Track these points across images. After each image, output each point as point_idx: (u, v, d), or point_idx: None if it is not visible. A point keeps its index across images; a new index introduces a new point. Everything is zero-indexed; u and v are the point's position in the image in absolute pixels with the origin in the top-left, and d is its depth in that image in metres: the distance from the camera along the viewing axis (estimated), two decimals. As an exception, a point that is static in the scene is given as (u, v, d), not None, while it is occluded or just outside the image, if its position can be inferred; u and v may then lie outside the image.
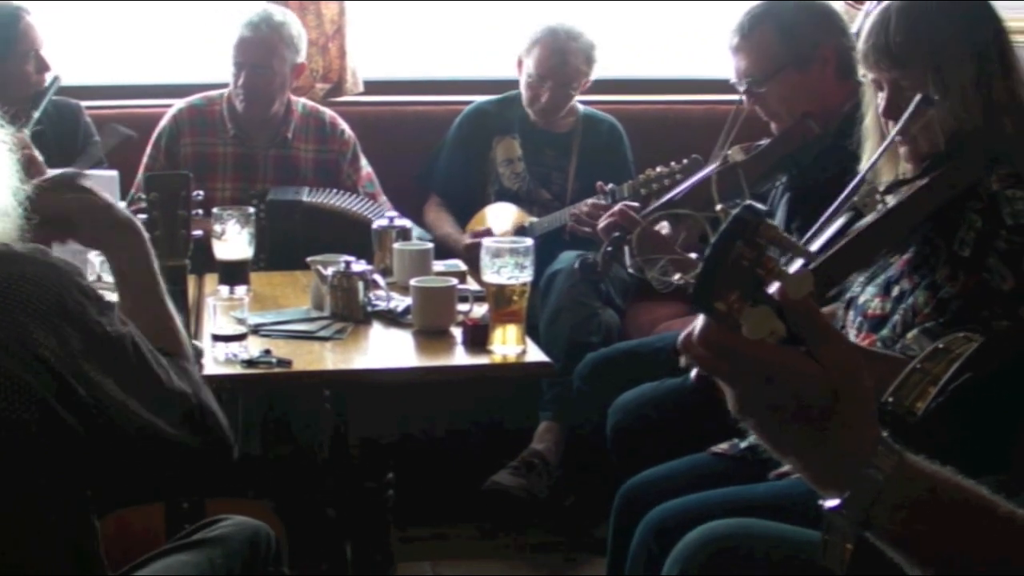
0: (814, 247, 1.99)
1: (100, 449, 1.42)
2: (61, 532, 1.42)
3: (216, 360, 2.38)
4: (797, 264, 1.27)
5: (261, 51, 3.54)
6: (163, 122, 3.67)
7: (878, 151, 2.01)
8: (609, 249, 2.71)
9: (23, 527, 1.38)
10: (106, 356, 1.41)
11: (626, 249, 2.64)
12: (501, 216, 3.82)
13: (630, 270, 2.60)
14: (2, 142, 1.54)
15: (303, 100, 3.80)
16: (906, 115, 1.94)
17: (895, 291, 2.00)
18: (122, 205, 2.81)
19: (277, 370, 2.36)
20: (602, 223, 2.77)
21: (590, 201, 3.26)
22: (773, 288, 0.97)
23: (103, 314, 1.43)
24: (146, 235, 1.72)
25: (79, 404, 1.37)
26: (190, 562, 1.74)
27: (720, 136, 2.69)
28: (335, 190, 3.52)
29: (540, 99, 3.83)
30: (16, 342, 1.33)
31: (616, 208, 2.78)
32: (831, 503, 1.01)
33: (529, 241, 2.52)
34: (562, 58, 3.78)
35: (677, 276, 2.30)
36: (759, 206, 0.97)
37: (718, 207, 2.40)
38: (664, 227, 2.74)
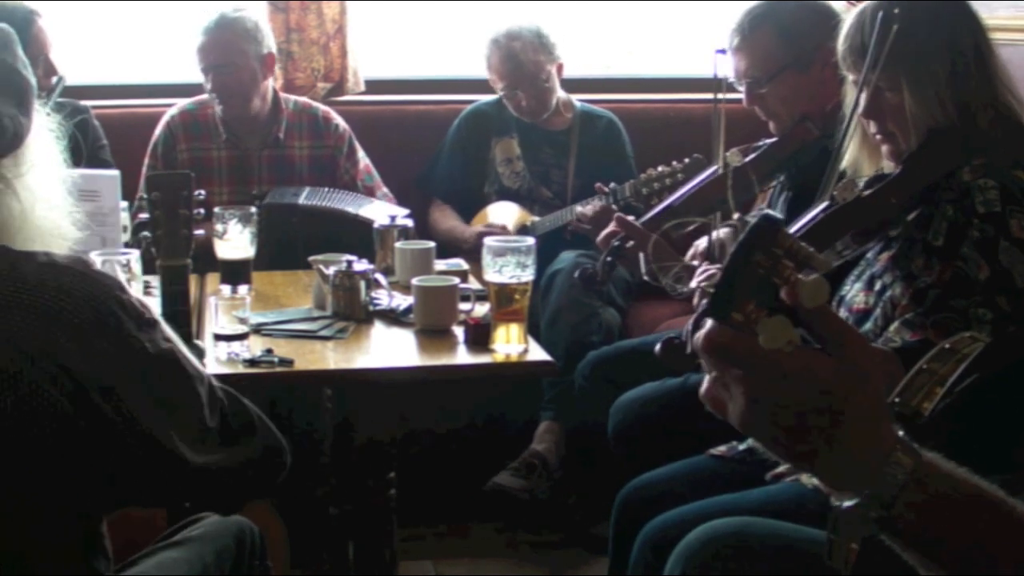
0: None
1: (131, 464, 1.40)
2: (72, 534, 1.42)
3: (218, 359, 2.38)
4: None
5: (219, 51, 3.54)
6: (157, 130, 3.68)
7: (848, 137, 2.04)
8: (608, 259, 2.71)
9: (36, 528, 1.38)
10: (142, 373, 1.40)
11: (640, 256, 2.64)
12: (502, 215, 3.82)
13: (645, 277, 2.60)
14: (49, 131, 1.54)
15: (294, 98, 3.80)
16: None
17: (877, 285, 2.03)
18: (124, 205, 2.83)
19: (279, 369, 2.36)
20: (600, 236, 2.77)
21: (596, 204, 3.26)
22: (787, 295, 0.97)
23: (142, 330, 1.42)
24: None
25: (103, 420, 1.36)
26: (181, 559, 1.74)
27: (713, 138, 2.69)
28: (333, 189, 3.52)
29: (522, 105, 3.84)
30: (43, 353, 1.33)
31: (616, 218, 2.77)
32: (847, 503, 1.00)
33: (531, 240, 2.52)
34: (514, 62, 3.80)
35: (693, 283, 2.30)
36: (776, 215, 0.97)
37: (735, 216, 2.41)
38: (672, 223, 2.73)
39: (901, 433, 1.00)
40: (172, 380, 1.44)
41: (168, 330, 1.49)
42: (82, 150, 3.11)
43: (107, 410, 1.36)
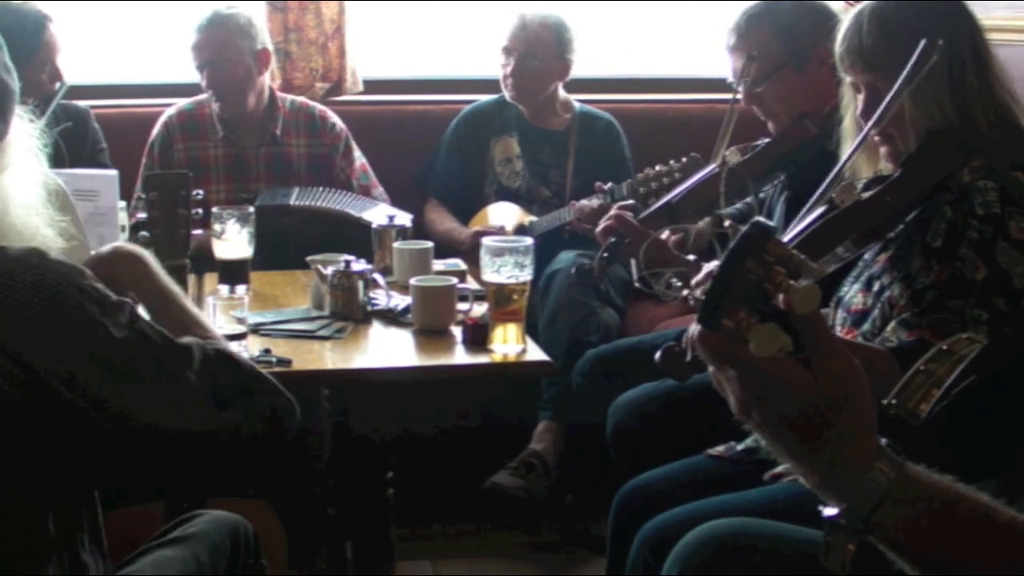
0: (786, 237, 2.01)
1: (113, 451, 1.39)
2: (58, 530, 1.42)
3: (142, 253, 2.35)
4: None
5: (214, 47, 3.56)
6: (155, 130, 3.68)
7: (854, 145, 2.03)
8: (605, 255, 2.71)
9: (14, 525, 1.37)
10: (109, 356, 1.39)
11: (632, 262, 2.64)
12: (501, 215, 3.82)
13: (636, 284, 2.60)
14: (28, 136, 1.54)
15: (291, 97, 3.80)
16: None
17: (876, 286, 2.03)
18: (122, 204, 2.83)
19: (277, 369, 2.35)
20: (599, 228, 2.78)
21: (593, 203, 3.25)
22: (780, 301, 0.97)
23: (106, 314, 1.40)
24: (147, 256, 1.72)
25: (66, 409, 1.34)
26: (177, 557, 1.74)
27: (718, 136, 2.69)
28: (325, 188, 3.52)
29: (506, 73, 3.82)
30: None
31: (612, 212, 2.78)
32: (830, 512, 1.01)
33: (529, 240, 2.52)
34: (522, 23, 3.81)
35: (685, 292, 2.30)
36: (767, 222, 0.97)
37: (726, 223, 2.41)
38: (663, 231, 2.74)
39: (885, 442, 1.00)
40: (143, 357, 1.42)
41: (140, 310, 1.48)
42: (64, 157, 3.10)
43: (70, 397, 1.34)
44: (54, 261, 1.41)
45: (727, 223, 2.42)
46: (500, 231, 3.69)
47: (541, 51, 3.81)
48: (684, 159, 3.10)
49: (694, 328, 1.00)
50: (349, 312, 2.63)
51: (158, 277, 1.71)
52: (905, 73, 1.90)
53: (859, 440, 0.99)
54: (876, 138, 2.07)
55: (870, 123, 1.98)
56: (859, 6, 2.07)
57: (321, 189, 3.51)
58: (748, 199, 2.91)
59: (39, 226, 1.51)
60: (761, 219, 0.99)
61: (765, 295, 0.96)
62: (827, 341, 0.99)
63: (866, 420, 1.00)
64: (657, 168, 3.16)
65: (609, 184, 3.26)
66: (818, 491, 1.02)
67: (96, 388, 1.36)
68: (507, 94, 3.87)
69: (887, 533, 0.99)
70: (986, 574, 0.99)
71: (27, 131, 1.55)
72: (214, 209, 2.87)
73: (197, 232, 2.32)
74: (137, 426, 1.39)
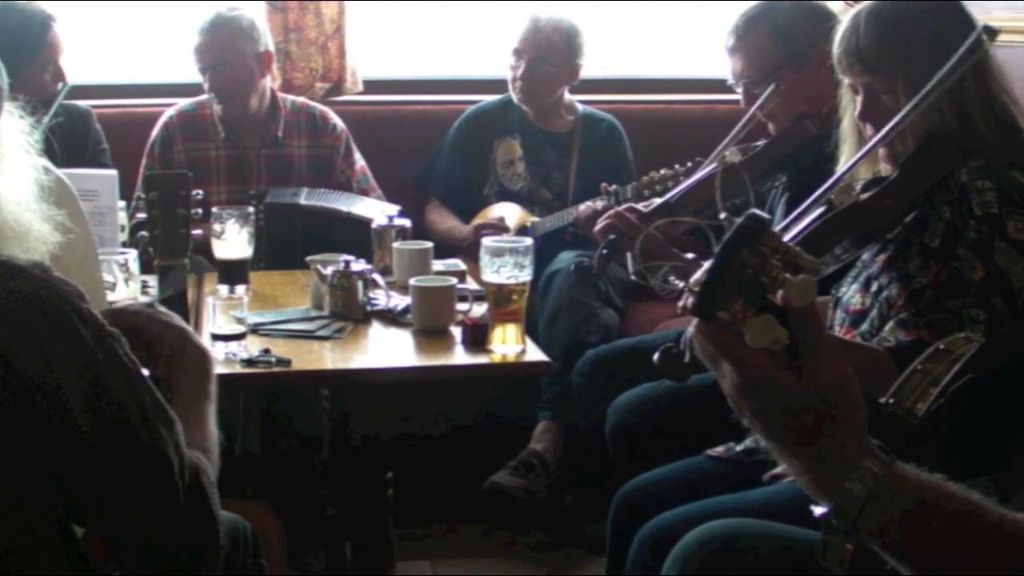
0: (784, 238, 2.01)
1: (76, 467, 1.38)
2: (59, 531, 1.42)
3: (215, 359, 2.37)
4: None
5: (215, 50, 3.56)
6: (155, 131, 3.68)
7: (859, 154, 2.03)
8: (604, 252, 2.71)
9: (14, 526, 1.37)
10: (93, 383, 1.37)
11: (628, 256, 2.64)
12: (504, 215, 3.82)
13: (632, 277, 2.60)
14: (19, 131, 1.53)
15: (292, 97, 3.80)
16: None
17: (874, 287, 2.04)
18: (122, 204, 2.83)
19: (276, 369, 2.36)
20: (599, 225, 2.78)
21: (597, 205, 3.25)
22: (777, 297, 0.97)
23: (99, 341, 1.38)
24: (214, 366, 1.68)
25: (46, 421, 1.34)
26: None
27: (730, 135, 2.68)
28: (333, 190, 3.53)
29: (516, 75, 3.81)
30: None
31: (614, 211, 2.78)
32: (820, 510, 1.01)
33: (528, 241, 2.53)
34: (535, 27, 3.80)
35: (680, 284, 2.31)
36: (763, 215, 0.97)
37: (723, 215, 2.41)
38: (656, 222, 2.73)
39: (876, 442, 1.00)
40: (124, 397, 1.39)
41: (130, 354, 1.45)
42: (57, 154, 3.11)
43: (51, 413, 1.34)
44: (57, 279, 1.40)
45: (723, 215, 2.42)
46: (500, 222, 3.69)
47: (552, 56, 3.80)
48: (689, 163, 3.10)
49: (691, 328, 1.00)
50: (349, 312, 2.63)
51: (211, 384, 1.68)
52: (955, 59, 1.88)
53: (849, 444, 1.00)
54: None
55: (890, 129, 1.96)
56: (857, 7, 2.07)
57: (325, 190, 3.52)
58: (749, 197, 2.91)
59: (32, 221, 1.50)
60: (757, 211, 0.99)
61: (761, 287, 0.96)
62: (819, 341, 0.99)
63: (856, 424, 1.00)
64: (662, 172, 3.16)
65: (614, 186, 3.26)
66: (809, 490, 1.03)
67: (77, 411, 1.35)
68: (515, 96, 3.87)
69: (877, 534, 0.99)
70: (977, 573, 0.99)
71: (18, 127, 1.54)
72: (214, 209, 2.87)
73: (197, 232, 2.31)
74: (102, 458, 1.38)
